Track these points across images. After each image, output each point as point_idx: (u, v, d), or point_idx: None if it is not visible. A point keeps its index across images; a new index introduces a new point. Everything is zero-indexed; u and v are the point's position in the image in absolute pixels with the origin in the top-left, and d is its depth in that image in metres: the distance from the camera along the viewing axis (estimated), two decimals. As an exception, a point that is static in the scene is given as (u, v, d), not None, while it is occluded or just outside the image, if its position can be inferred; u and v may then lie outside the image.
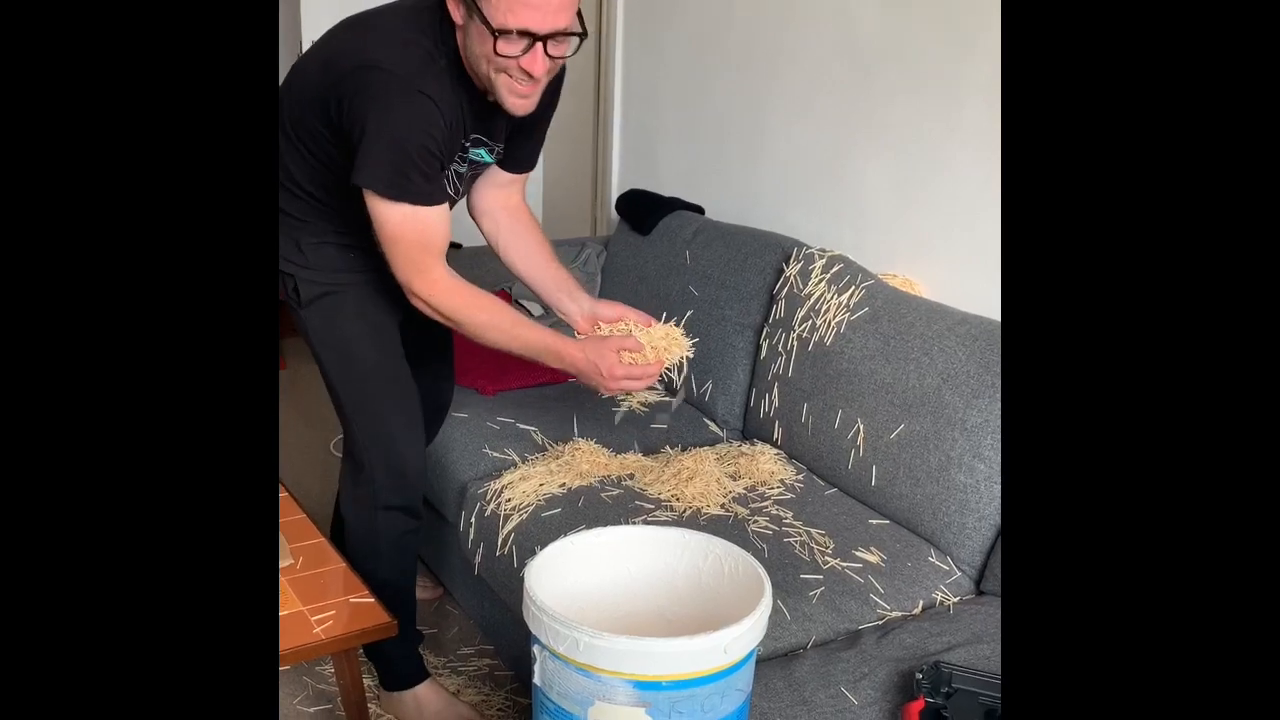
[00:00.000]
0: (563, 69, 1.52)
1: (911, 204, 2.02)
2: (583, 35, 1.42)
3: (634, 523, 1.63)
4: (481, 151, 1.58)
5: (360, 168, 1.40)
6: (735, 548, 1.16)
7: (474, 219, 1.75)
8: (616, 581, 1.20)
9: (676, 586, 1.19)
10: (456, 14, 1.40)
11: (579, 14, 1.42)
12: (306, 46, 2.90)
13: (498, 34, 1.33)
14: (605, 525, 1.63)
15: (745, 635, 0.98)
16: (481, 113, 1.51)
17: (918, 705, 1.19)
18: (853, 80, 2.12)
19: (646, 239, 2.43)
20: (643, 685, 0.94)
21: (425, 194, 1.43)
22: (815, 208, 2.26)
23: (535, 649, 1.02)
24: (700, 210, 2.50)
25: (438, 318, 1.51)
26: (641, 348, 1.59)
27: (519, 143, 1.65)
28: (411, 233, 1.44)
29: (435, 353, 1.88)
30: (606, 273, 2.54)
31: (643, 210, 2.49)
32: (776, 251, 2.11)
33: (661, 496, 1.75)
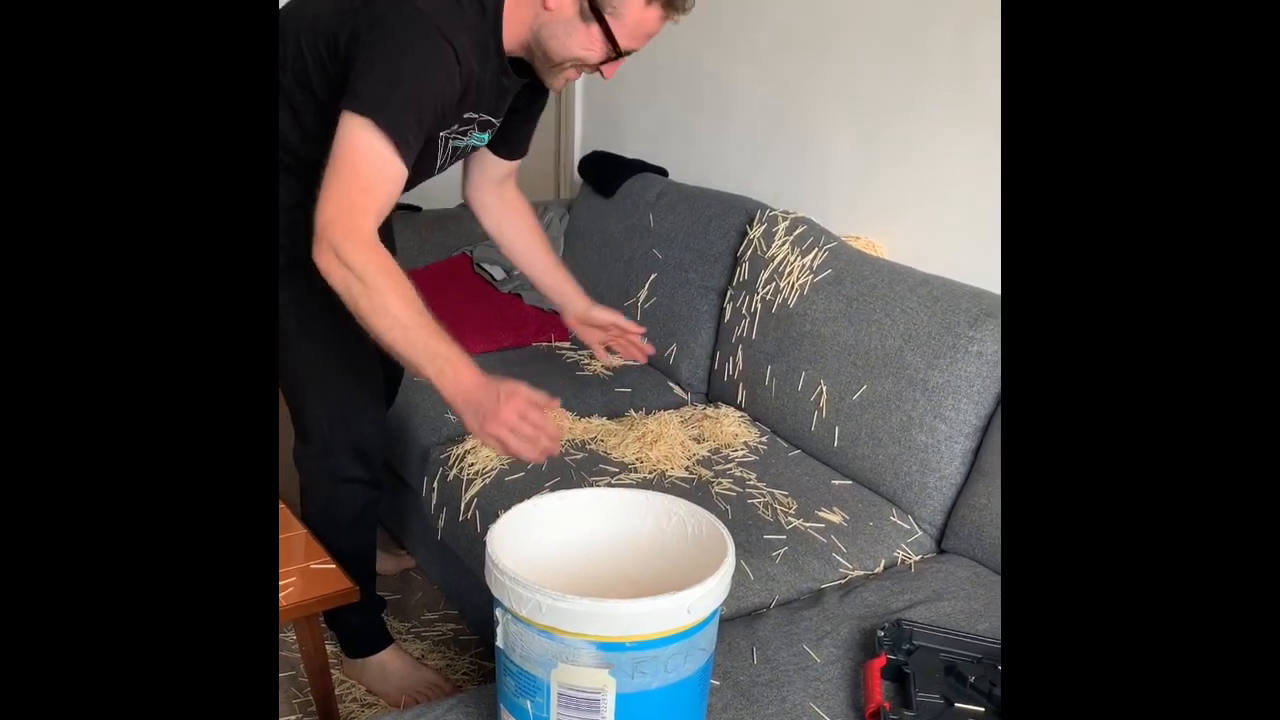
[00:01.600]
0: None
1: (874, 167, 2.01)
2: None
3: (598, 485, 1.63)
4: (486, 136, 1.53)
5: (354, 90, 1.28)
6: (699, 509, 1.15)
7: (474, 212, 1.72)
8: (580, 544, 1.20)
9: (641, 548, 1.19)
10: (555, 1, 1.34)
11: None
12: None
13: (620, 54, 1.37)
14: (569, 489, 1.63)
15: (708, 595, 0.98)
16: (497, 92, 1.45)
17: (879, 662, 1.21)
18: (817, 43, 2.10)
19: (610, 201, 2.41)
20: (606, 646, 0.94)
21: (405, 142, 1.29)
22: (779, 170, 2.25)
23: (498, 612, 1.02)
24: (664, 173, 2.48)
25: (336, 279, 1.26)
26: (554, 405, 1.27)
27: (516, 125, 1.59)
28: (368, 170, 1.28)
29: None
30: (569, 236, 2.52)
31: (606, 172, 2.47)
32: (740, 214, 2.10)
33: (625, 460, 1.75)
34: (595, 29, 1.34)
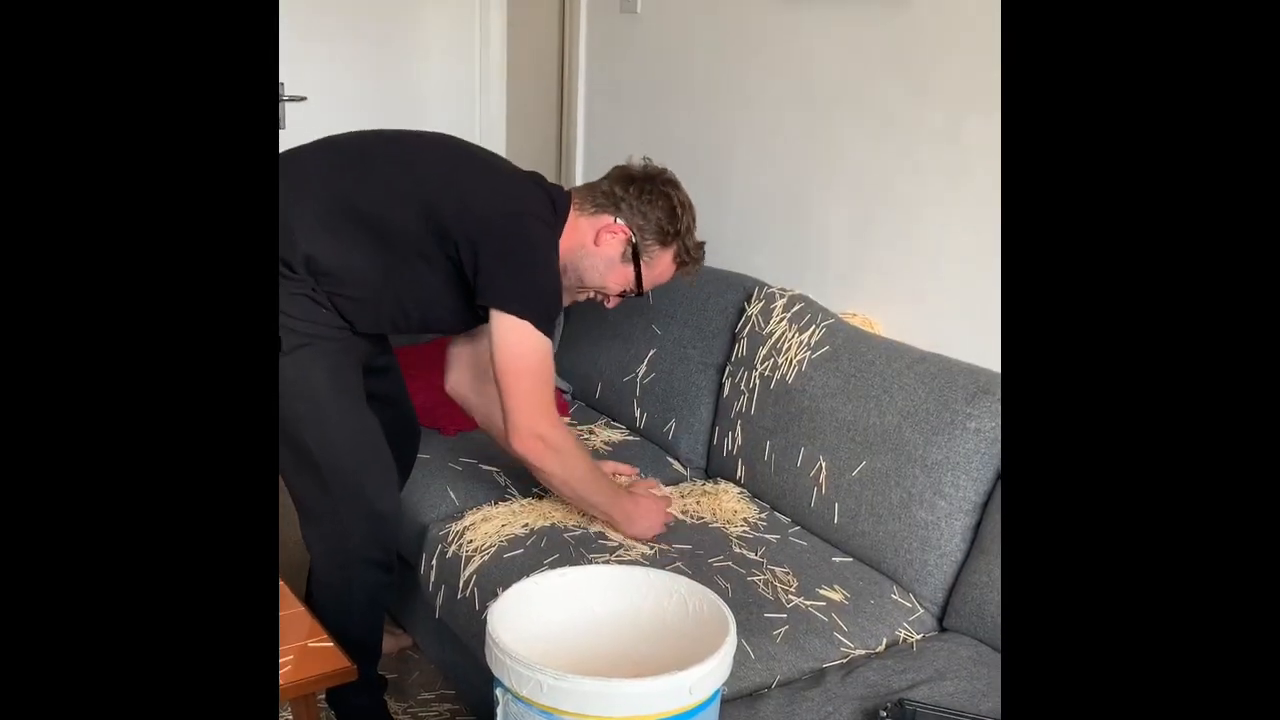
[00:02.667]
0: None
1: (870, 244, 2.05)
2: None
3: (597, 562, 1.62)
4: None
5: (506, 295, 1.53)
6: (699, 586, 1.15)
7: (455, 396, 1.86)
8: (581, 622, 1.19)
9: (641, 626, 1.19)
10: (606, 243, 1.65)
11: None
12: (286, 90, 2.87)
13: (639, 293, 1.70)
14: (569, 565, 1.62)
15: (710, 675, 0.98)
16: None
17: (882, 743, 1.19)
18: (811, 122, 2.15)
19: (609, 279, 2.44)
20: None
21: (550, 334, 1.56)
22: (776, 248, 2.29)
23: (498, 692, 1.01)
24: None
25: (545, 460, 1.59)
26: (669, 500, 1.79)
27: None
28: (541, 368, 1.55)
29: (396, 401, 1.87)
30: (569, 312, 2.54)
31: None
32: (738, 291, 2.13)
33: (624, 537, 1.74)
34: (630, 270, 1.65)
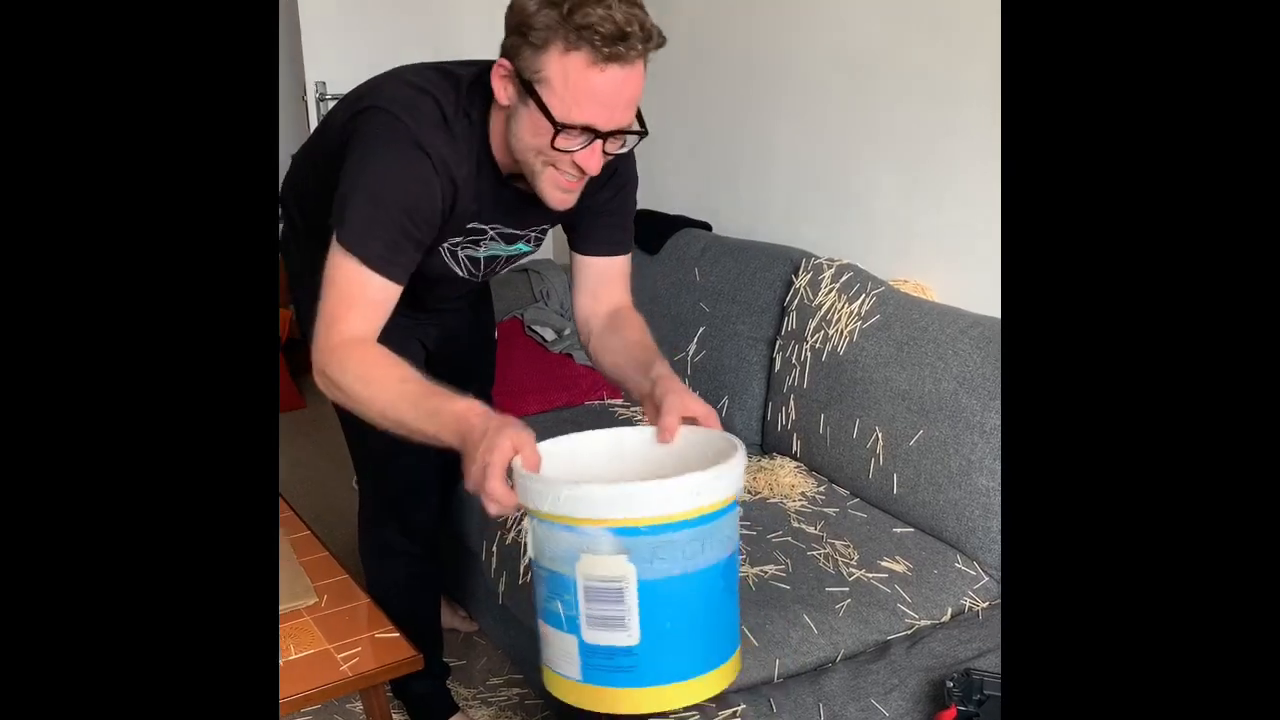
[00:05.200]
0: (631, 153, 1.35)
1: (918, 209, 2.01)
2: (643, 133, 1.27)
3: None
4: (521, 246, 1.45)
5: (334, 206, 1.25)
6: (713, 431, 1.16)
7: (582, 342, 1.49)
8: (605, 470, 1.21)
9: (665, 466, 1.19)
10: (503, 94, 1.22)
11: (639, 111, 1.26)
12: (312, 91, 2.93)
13: (560, 128, 1.17)
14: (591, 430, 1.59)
15: (715, 481, 0.99)
16: (509, 202, 1.36)
17: (950, 714, 1.18)
18: (853, 88, 2.12)
19: (655, 258, 2.43)
20: (622, 531, 0.97)
21: (380, 259, 1.22)
22: (822, 218, 2.26)
23: (527, 522, 1.04)
24: (707, 227, 2.50)
25: (325, 390, 1.22)
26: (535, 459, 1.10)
27: (589, 221, 1.43)
28: (338, 281, 1.23)
29: (468, 384, 1.81)
30: (617, 294, 2.54)
31: (650, 230, 2.49)
32: (785, 263, 2.11)
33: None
34: (533, 106, 1.18)
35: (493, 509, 1.06)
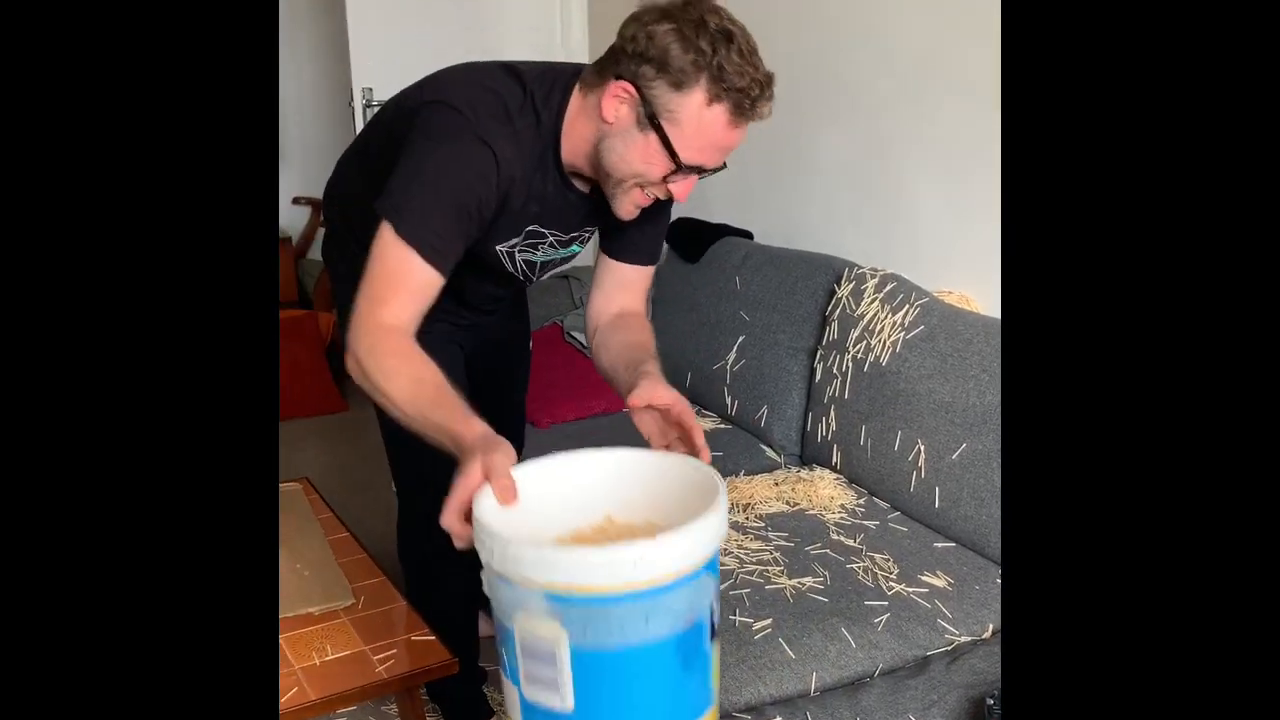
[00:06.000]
0: None
1: (964, 218, 1.99)
2: (724, 166, 1.28)
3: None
4: (574, 247, 1.45)
5: (385, 189, 1.24)
6: (690, 459, 1.09)
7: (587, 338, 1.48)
8: (582, 503, 1.13)
9: (651, 500, 1.12)
10: (613, 113, 1.21)
11: None
12: (359, 97, 2.96)
13: (681, 168, 1.20)
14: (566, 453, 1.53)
15: (666, 551, 0.88)
16: (572, 204, 1.36)
17: (991, 733, 1.16)
18: (899, 96, 2.10)
19: (696, 266, 2.43)
20: (554, 597, 0.89)
21: (431, 248, 1.22)
22: (865, 227, 2.24)
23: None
24: (749, 235, 2.49)
25: (353, 373, 1.21)
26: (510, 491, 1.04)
27: (632, 229, 1.41)
28: (386, 264, 1.22)
29: (505, 392, 1.82)
30: (657, 302, 2.54)
31: (691, 238, 2.49)
32: (827, 273, 2.09)
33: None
34: (653, 139, 1.20)
35: (456, 542, 1.02)
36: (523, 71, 1.31)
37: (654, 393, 1.17)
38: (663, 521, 1.06)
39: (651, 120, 1.19)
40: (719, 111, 1.17)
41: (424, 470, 1.60)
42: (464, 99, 1.25)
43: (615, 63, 1.21)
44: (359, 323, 1.20)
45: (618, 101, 1.21)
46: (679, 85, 1.16)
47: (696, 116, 1.17)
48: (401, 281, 1.22)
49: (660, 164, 1.21)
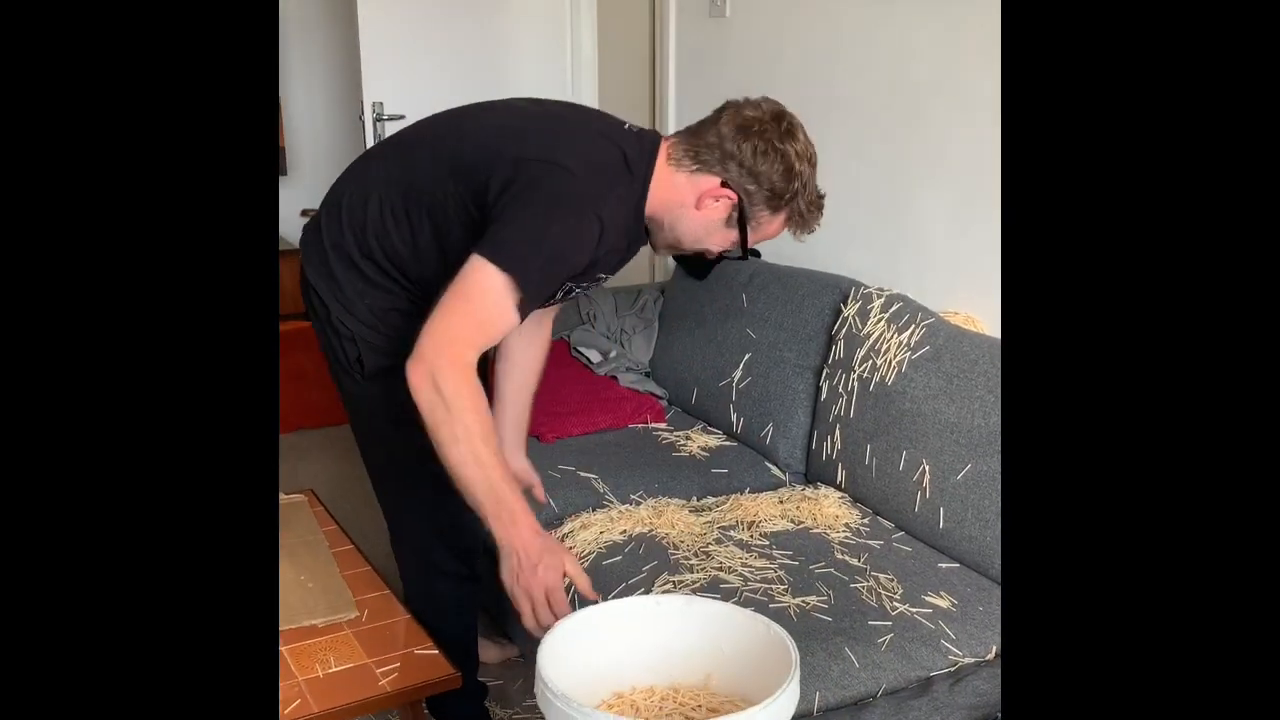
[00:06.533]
0: None
1: (970, 239, 1.99)
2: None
3: (662, 590, 1.58)
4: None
5: (496, 239, 1.33)
6: (759, 619, 1.13)
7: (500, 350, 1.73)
8: (651, 651, 1.17)
9: (723, 652, 1.16)
10: (709, 207, 1.42)
11: None
12: (369, 111, 2.97)
13: (750, 254, 1.49)
14: (667, 573, 1.62)
15: None
16: (626, 255, 1.52)
17: (994, 756, 1.15)
18: (905, 116, 2.11)
19: (703, 284, 2.43)
20: None
21: (529, 302, 1.34)
22: (872, 247, 2.25)
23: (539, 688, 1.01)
24: (756, 254, 2.49)
25: (423, 399, 1.29)
26: (584, 586, 1.33)
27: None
28: (487, 311, 1.32)
29: None
30: (664, 318, 2.55)
31: (699, 256, 2.49)
32: (834, 292, 2.09)
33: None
34: (734, 234, 1.45)
35: (528, 623, 1.27)
36: (610, 128, 1.47)
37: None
38: (722, 681, 1.14)
39: (741, 222, 1.44)
40: (788, 226, 1.48)
41: (444, 491, 1.60)
42: (582, 167, 1.38)
43: (719, 161, 1.41)
44: (444, 351, 1.29)
45: (716, 202, 1.43)
46: (775, 210, 1.44)
47: (775, 228, 1.47)
48: (495, 328, 1.35)
49: (727, 245, 1.48)
